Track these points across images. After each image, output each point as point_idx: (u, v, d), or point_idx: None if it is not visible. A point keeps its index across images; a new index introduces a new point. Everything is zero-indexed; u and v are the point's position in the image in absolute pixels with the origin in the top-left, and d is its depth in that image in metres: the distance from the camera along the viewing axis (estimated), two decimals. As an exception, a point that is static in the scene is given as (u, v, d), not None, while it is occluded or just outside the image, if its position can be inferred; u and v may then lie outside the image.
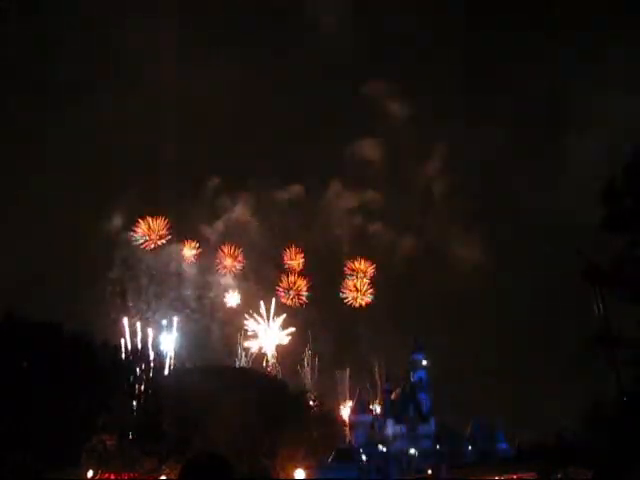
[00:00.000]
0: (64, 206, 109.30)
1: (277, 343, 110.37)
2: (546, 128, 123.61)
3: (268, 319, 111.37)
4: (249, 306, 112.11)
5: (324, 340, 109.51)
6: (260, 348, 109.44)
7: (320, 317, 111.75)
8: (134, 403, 72.13)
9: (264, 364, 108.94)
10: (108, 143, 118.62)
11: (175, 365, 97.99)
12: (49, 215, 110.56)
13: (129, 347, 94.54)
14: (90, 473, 64.53)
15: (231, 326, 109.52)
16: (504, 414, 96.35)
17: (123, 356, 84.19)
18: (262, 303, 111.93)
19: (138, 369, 77.56)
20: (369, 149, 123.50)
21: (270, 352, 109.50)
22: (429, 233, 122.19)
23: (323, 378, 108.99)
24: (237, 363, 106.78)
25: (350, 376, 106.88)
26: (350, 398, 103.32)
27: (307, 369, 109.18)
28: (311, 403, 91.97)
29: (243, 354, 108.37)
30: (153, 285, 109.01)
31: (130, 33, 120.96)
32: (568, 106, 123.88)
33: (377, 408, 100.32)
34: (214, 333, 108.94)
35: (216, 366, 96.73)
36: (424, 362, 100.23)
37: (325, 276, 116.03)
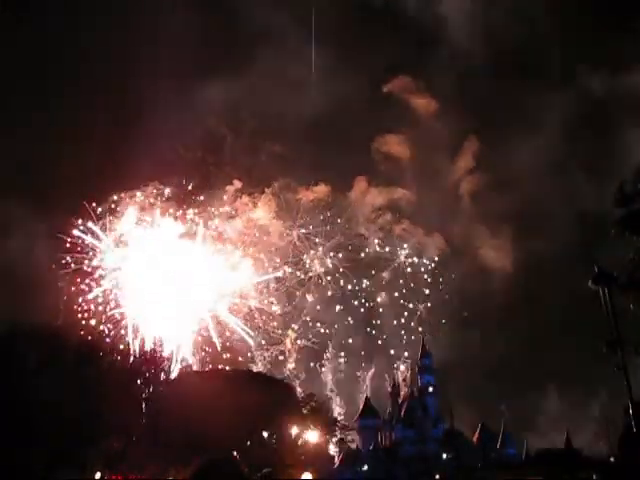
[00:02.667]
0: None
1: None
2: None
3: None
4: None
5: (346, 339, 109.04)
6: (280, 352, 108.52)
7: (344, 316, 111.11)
8: (142, 406, 72.28)
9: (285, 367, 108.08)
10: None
11: (183, 368, 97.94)
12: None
13: (137, 349, 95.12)
14: (98, 475, 64.76)
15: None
16: (513, 418, 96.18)
17: (132, 358, 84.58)
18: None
19: (147, 372, 77.67)
20: (395, 146, 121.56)
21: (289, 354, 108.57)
22: (457, 234, 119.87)
23: (347, 380, 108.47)
24: (254, 367, 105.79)
25: (372, 379, 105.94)
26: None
27: (328, 370, 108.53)
28: (313, 404, 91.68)
29: (260, 357, 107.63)
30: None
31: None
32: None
33: (385, 412, 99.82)
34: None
35: (222, 369, 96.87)
36: (433, 366, 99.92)
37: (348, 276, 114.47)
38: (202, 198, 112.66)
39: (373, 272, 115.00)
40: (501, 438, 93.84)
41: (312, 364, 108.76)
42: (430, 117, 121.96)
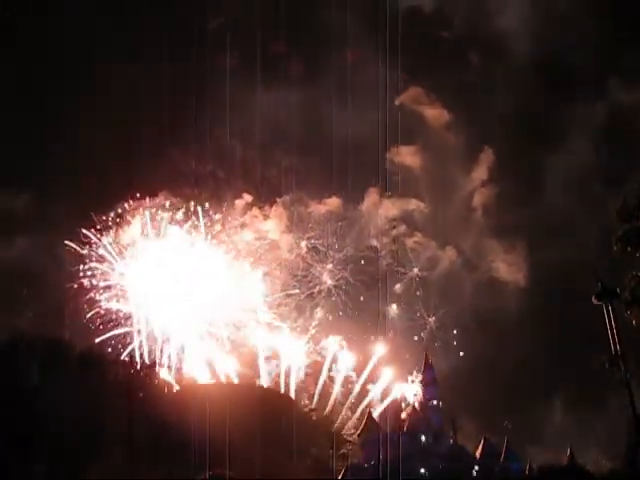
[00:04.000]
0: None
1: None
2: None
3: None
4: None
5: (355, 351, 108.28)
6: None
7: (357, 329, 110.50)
8: (145, 419, 72.05)
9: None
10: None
11: (186, 380, 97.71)
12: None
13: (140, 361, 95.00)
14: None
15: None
16: (516, 433, 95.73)
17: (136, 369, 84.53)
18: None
19: (150, 384, 77.62)
20: (408, 157, 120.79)
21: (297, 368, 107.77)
22: (469, 247, 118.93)
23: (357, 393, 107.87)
24: (260, 380, 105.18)
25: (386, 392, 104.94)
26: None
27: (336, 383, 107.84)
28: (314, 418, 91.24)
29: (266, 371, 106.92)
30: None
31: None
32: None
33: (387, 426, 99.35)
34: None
35: (223, 382, 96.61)
36: (436, 379, 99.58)
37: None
38: (211, 211, 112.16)
39: (384, 285, 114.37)
40: (504, 453, 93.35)
41: (321, 377, 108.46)
42: (443, 128, 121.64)
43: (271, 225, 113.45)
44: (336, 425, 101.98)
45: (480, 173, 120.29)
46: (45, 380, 60.08)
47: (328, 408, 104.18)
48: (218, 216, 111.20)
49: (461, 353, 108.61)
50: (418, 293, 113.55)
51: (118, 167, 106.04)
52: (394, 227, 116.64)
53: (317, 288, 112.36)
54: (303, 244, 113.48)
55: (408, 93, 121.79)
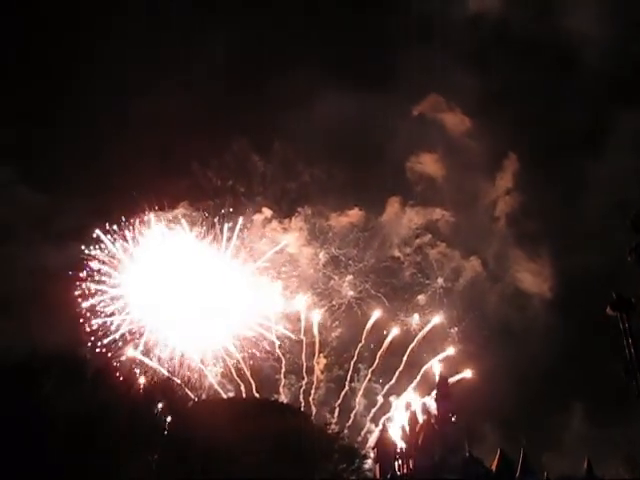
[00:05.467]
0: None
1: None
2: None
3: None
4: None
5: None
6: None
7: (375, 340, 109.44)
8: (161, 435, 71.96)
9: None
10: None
11: (204, 395, 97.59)
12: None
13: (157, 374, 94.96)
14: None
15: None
16: (533, 445, 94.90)
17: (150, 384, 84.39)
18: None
19: (166, 399, 77.46)
20: (428, 165, 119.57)
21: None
22: (493, 257, 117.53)
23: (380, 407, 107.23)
24: (278, 396, 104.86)
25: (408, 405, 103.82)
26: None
27: (356, 397, 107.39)
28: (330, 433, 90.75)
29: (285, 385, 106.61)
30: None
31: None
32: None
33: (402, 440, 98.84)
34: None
35: (238, 397, 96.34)
36: (451, 392, 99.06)
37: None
38: (231, 223, 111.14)
39: (407, 296, 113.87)
40: (521, 466, 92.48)
41: (341, 391, 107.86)
42: (464, 135, 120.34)
43: (291, 238, 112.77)
44: (352, 439, 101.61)
45: (505, 180, 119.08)
46: (61, 395, 60.11)
47: (349, 422, 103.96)
48: (237, 229, 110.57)
49: (469, 371, 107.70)
50: (436, 304, 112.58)
51: (141, 178, 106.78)
52: (417, 237, 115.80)
53: (337, 302, 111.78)
54: (321, 255, 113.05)
55: (427, 101, 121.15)
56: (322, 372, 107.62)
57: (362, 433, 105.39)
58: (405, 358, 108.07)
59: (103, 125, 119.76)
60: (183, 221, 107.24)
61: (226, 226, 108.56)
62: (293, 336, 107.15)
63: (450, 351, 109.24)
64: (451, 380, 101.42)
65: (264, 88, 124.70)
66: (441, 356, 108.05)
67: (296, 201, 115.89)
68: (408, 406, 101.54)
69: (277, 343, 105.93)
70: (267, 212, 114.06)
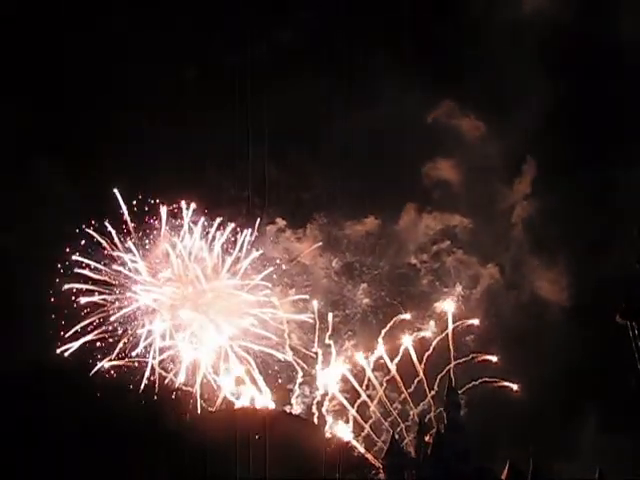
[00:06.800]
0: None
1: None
2: None
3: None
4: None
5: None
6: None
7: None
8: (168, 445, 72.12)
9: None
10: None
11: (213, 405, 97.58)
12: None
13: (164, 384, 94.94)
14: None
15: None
16: (544, 454, 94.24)
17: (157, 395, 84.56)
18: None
19: (173, 409, 77.63)
20: (444, 171, 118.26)
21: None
22: (510, 264, 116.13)
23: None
24: (290, 407, 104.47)
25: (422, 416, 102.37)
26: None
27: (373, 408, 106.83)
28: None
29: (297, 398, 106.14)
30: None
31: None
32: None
33: (411, 450, 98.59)
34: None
35: (247, 408, 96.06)
36: (460, 401, 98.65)
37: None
38: (244, 233, 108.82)
39: (423, 304, 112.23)
40: (531, 475, 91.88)
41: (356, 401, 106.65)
42: (479, 140, 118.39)
43: (304, 248, 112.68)
44: (362, 449, 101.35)
45: (523, 185, 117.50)
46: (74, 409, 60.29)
47: (365, 431, 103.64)
48: (251, 239, 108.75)
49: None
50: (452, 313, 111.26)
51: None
52: (434, 243, 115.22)
53: (351, 311, 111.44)
54: (334, 263, 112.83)
55: (441, 107, 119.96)
56: (337, 382, 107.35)
57: (377, 444, 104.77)
58: (422, 366, 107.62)
59: (114, 125, 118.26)
60: (196, 229, 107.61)
61: (240, 236, 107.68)
62: (307, 346, 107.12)
63: (465, 358, 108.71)
64: (463, 389, 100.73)
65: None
66: (454, 363, 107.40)
67: (311, 211, 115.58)
68: (420, 415, 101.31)
69: (291, 353, 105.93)
70: (281, 222, 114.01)
